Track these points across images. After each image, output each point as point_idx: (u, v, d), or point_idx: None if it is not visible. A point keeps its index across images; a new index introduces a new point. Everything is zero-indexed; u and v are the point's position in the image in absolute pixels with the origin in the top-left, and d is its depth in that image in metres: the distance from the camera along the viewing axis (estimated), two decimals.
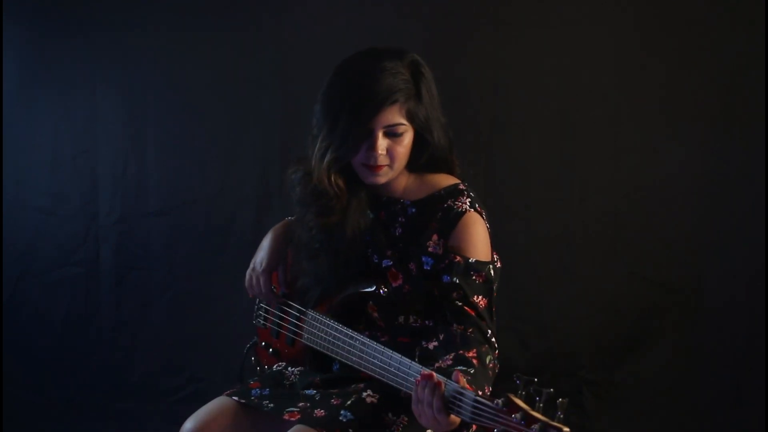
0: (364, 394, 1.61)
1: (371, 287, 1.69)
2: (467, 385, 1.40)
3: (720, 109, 2.81)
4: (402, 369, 1.54)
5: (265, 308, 1.96)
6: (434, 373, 1.43)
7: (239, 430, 1.67)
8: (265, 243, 1.90)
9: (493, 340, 1.64)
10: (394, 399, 1.61)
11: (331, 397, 1.65)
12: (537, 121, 2.93)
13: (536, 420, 1.24)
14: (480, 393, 1.40)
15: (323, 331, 1.74)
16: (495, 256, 1.72)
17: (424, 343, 1.65)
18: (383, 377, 1.58)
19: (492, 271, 1.68)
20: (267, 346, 1.94)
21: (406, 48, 1.70)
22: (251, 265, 1.89)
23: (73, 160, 3.25)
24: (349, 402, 1.59)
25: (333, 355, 1.71)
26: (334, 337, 1.71)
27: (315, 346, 1.76)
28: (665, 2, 2.84)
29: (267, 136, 3.12)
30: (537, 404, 1.26)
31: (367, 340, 1.63)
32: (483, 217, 1.71)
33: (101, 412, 3.13)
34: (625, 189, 2.89)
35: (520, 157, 2.94)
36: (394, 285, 1.70)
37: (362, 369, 1.63)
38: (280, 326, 1.91)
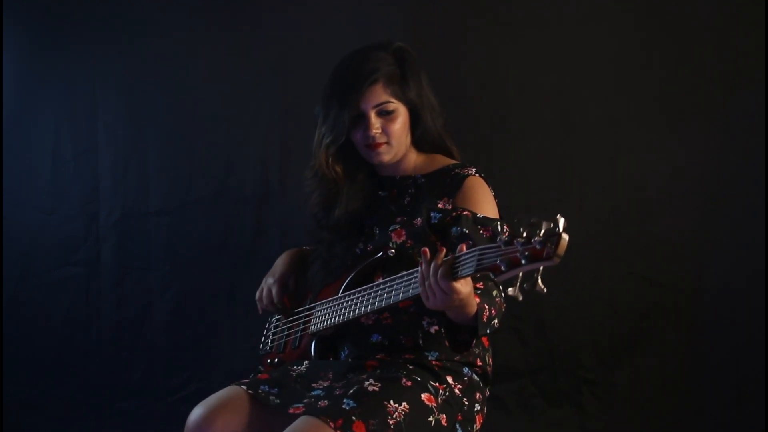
0: (366, 383, 1.63)
1: (378, 254, 1.77)
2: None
3: (720, 109, 2.81)
4: (406, 276, 1.61)
5: (273, 330, 2.01)
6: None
7: (247, 419, 1.69)
8: (279, 260, 2.03)
9: (501, 287, 1.67)
10: (396, 387, 1.63)
11: (334, 390, 1.68)
12: (537, 121, 2.93)
13: (536, 236, 1.28)
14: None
15: (329, 309, 1.80)
16: (505, 226, 1.76)
17: None
18: (393, 294, 1.63)
19: (499, 229, 1.71)
20: (271, 362, 1.96)
21: (392, 40, 1.83)
22: (263, 281, 1.98)
23: (73, 160, 3.25)
24: (351, 391, 1.61)
25: (344, 318, 1.75)
26: (340, 304, 1.77)
27: (325, 323, 1.80)
28: (665, 2, 2.84)
29: (267, 136, 3.12)
30: (538, 233, 1.31)
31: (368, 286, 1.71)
32: (489, 186, 1.80)
33: (101, 412, 3.14)
34: (625, 188, 2.89)
35: (520, 157, 2.94)
36: (398, 242, 1.77)
37: (376, 307, 1.67)
38: (288, 336, 1.93)
